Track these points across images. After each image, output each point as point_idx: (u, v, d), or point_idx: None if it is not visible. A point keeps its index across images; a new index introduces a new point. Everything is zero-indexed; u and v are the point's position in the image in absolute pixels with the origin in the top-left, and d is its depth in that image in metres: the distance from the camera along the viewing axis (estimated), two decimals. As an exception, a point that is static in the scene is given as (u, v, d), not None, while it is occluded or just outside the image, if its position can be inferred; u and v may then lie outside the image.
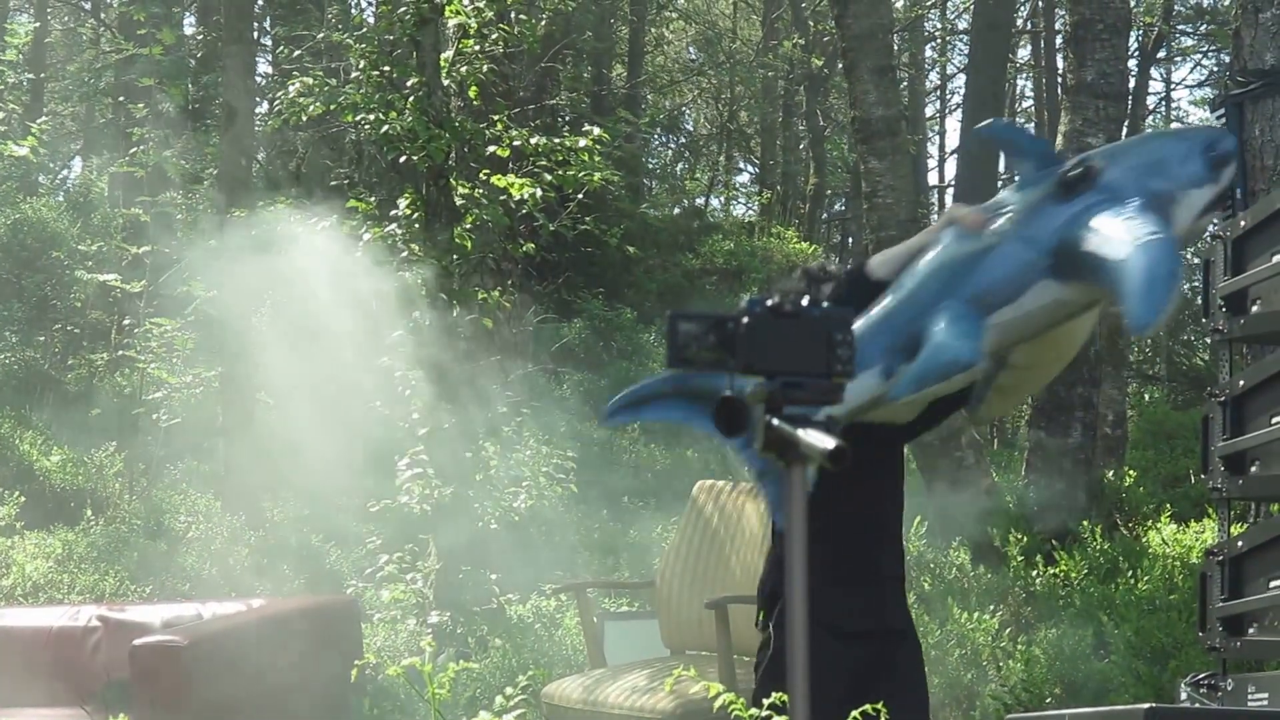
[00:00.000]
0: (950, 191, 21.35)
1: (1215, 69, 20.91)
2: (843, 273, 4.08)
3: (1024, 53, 22.05)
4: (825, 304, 2.00)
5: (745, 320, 1.94)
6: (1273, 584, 4.13)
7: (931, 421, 4.15)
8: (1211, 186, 3.85)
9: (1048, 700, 5.77)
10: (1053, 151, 4.04)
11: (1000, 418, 10.53)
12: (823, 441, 1.84)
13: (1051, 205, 3.70)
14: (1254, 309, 4.32)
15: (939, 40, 23.48)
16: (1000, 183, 18.21)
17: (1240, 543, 4.32)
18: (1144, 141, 4.01)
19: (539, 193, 7.11)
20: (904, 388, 3.60)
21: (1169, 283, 3.43)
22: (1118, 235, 3.53)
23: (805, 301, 1.98)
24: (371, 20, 7.91)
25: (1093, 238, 3.58)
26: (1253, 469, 4.29)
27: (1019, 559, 7.26)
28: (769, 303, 1.96)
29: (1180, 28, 20.78)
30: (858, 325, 3.82)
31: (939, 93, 24.94)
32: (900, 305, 3.69)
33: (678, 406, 3.70)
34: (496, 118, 7.29)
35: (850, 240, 20.29)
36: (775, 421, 1.90)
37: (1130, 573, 6.89)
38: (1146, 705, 3.93)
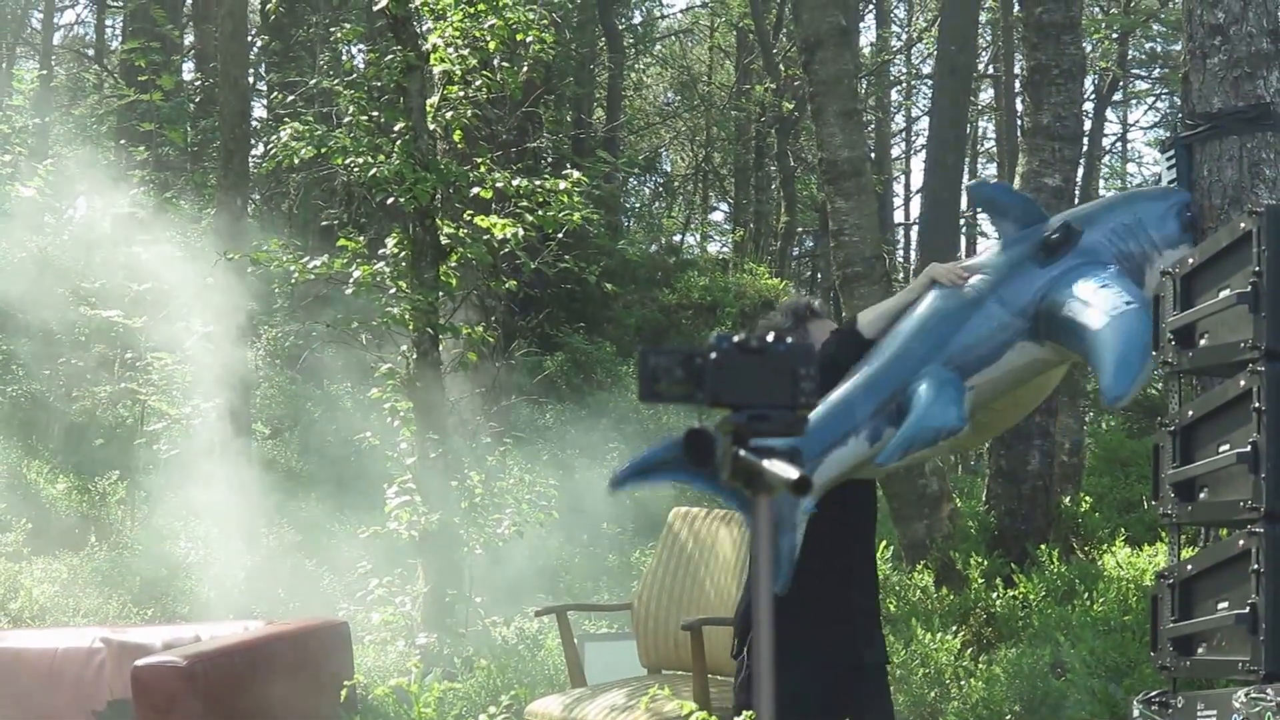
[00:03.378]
0: (915, 229, 21.64)
1: (1168, 111, 21.25)
2: (825, 316, 4.21)
3: (986, 95, 22.30)
4: (789, 340, 2.02)
5: (713, 355, 1.96)
6: (1220, 606, 4.15)
7: None
8: (1185, 247, 4.03)
9: (1007, 717, 5.85)
10: (1037, 211, 4.10)
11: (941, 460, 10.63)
12: (787, 472, 1.86)
13: (1032, 268, 3.83)
14: (1202, 342, 4.34)
15: (904, 84, 23.79)
16: (963, 221, 18.48)
17: (1190, 566, 4.34)
18: (1122, 202, 4.06)
19: (521, 232, 7.12)
20: (891, 455, 3.71)
21: (1142, 356, 3.54)
22: (1095, 304, 3.63)
23: (770, 337, 2.01)
24: (361, 67, 8.06)
25: (1071, 304, 3.67)
26: (1201, 495, 4.31)
27: (980, 581, 7.35)
28: (736, 338, 1.99)
29: (1134, 72, 21.13)
30: (843, 389, 3.92)
31: (904, 134, 25.17)
32: (883, 370, 3.79)
33: (682, 472, 3.83)
34: (480, 160, 7.36)
35: (819, 276, 20.50)
36: (742, 452, 1.92)
37: (1086, 595, 6.96)
38: (1101, 722, 4.17)
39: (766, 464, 1.90)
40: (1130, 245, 3.88)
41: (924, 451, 3.80)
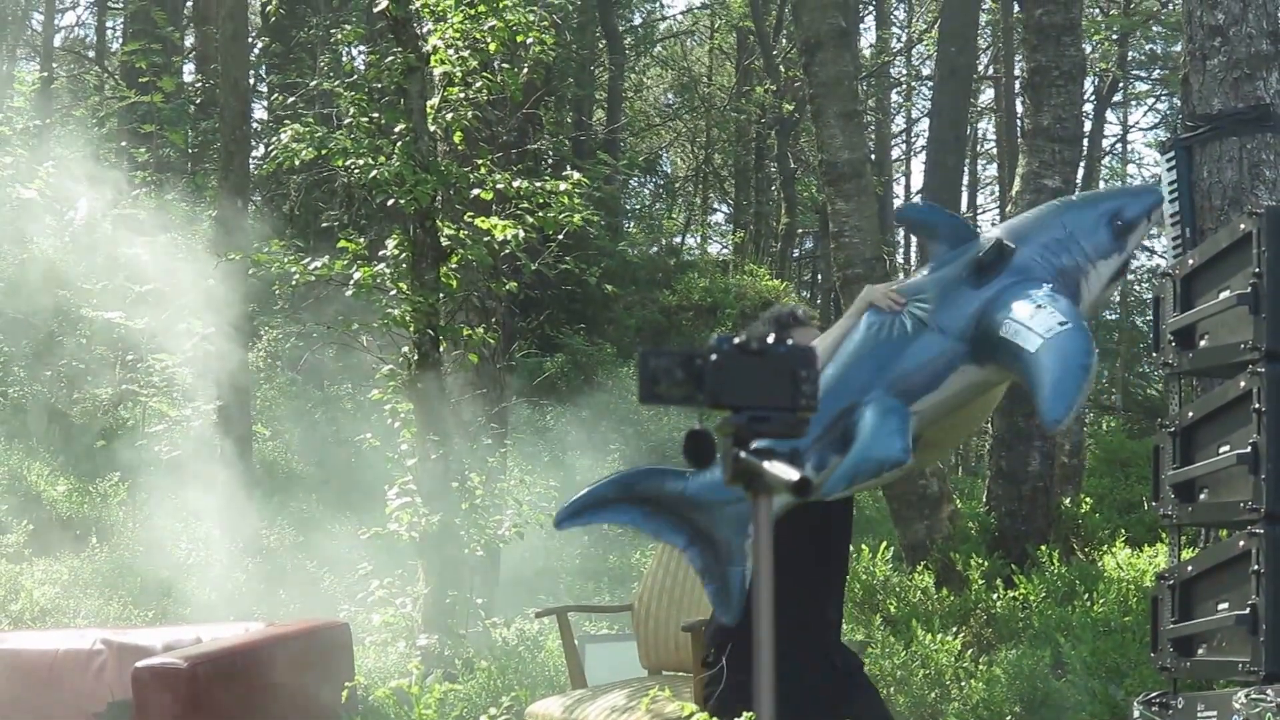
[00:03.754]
0: (917, 230, 21.59)
1: (1168, 112, 21.29)
2: (809, 324, 4.21)
3: (986, 97, 22.34)
4: (789, 341, 2.00)
5: (713, 357, 1.94)
6: (1220, 607, 4.20)
7: None
8: (1118, 255, 3.97)
9: (1007, 718, 5.87)
10: (968, 229, 4.08)
11: (940, 461, 10.66)
12: (787, 473, 1.86)
13: (966, 290, 3.80)
14: (1202, 343, 4.42)
15: (904, 86, 23.83)
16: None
17: (1190, 567, 4.39)
18: (1053, 214, 4.02)
19: (521, 234, 7.15)
20: (836, 485, 3.68)
21: (1079, 377, 3.49)
22: (1030, 326, 3.60)
23: (771, 339, 1.99)
24: (361, 69, 8.06)
25: (1007, 325, 3.65)
26: (1201, 496, 4.37)
27: (980, 582, 7.36)
28: (736, 340, 1.97)
29: (1134, 74, 21.18)
30: None
31: (904, 136, 25.20)
32: (826, 397, 3.82)
33: (625, 511, 3.84)
34: (480, 162, 7.35)
35: (820, 277, 20.54)
36: (742, 454, 1.91)
37: (1086, 596, 6.97)
38: (1102, 723, 4.18)
39: (767, 465, 1.90)
40: (1063, 259, 3.86)
41: (869, 482, 3.80)
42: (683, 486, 3.85)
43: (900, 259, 20.79)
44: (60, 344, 9.54)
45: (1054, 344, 3.55)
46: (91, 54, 19.68)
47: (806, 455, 3.76)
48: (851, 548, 4.68)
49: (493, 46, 7.25)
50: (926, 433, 3.96)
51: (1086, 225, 3.92)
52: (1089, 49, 16.62)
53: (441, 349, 7.14)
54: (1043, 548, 7.69)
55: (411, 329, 6.99)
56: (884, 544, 7.65)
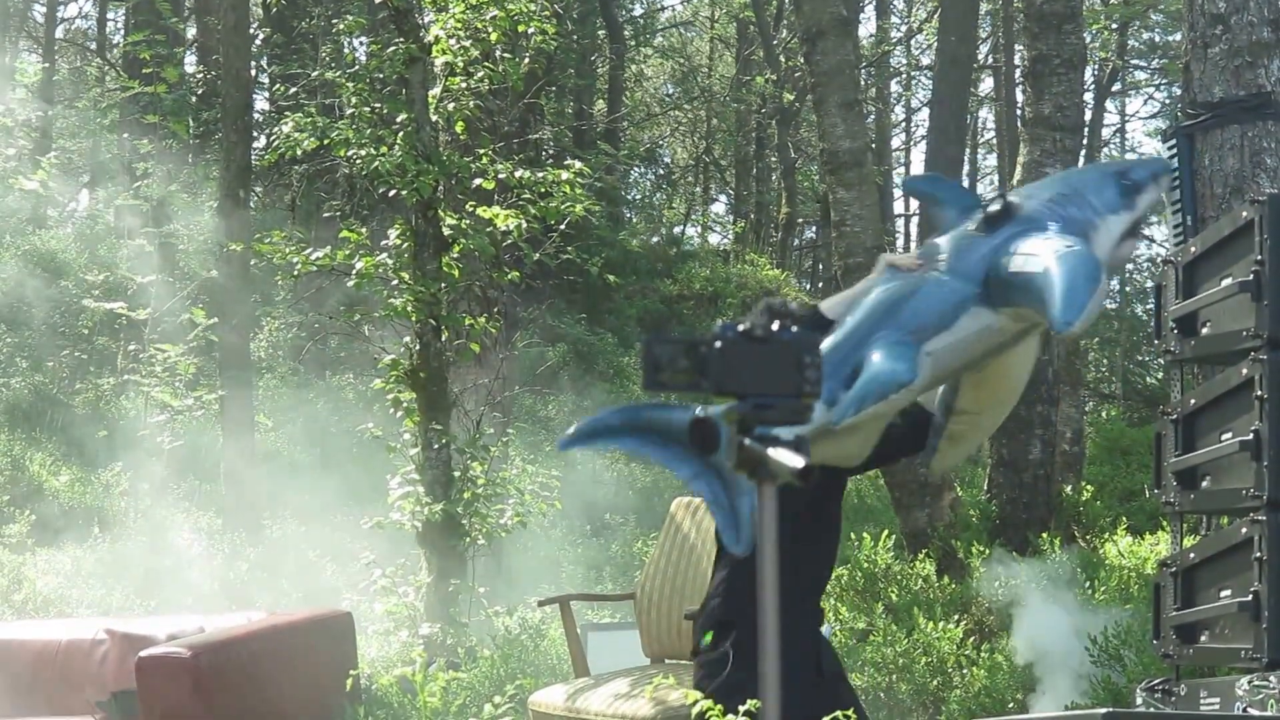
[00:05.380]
0: (915, 220, 21.68)
1: (1167, 101, 21.29)
2: (804, 313, 4.27)
3: (986, 86, 22.36)
4: (794, 329, 2.02)
5: (718, 344, 1.96)
6: (1223, 594, 4.23)
7: (877, 464, 4.38)
8: (1127, 213, 4.02)
9: (1010, 705, 5.88)
10: (973, 197, 4.23)
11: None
12: (791, 460, 1.88)
13: (976, 239, 3.87)
14: (1204, 331, 4.45)
15: (904, 75, 23.83)
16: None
17: (1192, 554, 4.41)
18: (1060, 176, 4.15)
19: (523, 223, 7.16)
20: (845, 410, 3.71)
21: (1089, 284, 3.54)
22: (1039, 252, 3.68)
23: (775, 326, 2.01)
24: (363, 59, 8.05)
25: (1016, 259, 3.75)
26: (1203, 484, 4.39)
27: (982, 570, 7.38)
28: (740, 328, 1.99)
29: (1134, 62, 21.18)
30: None
31: (904, 125, 25.23)
32: (840, 339, 3.84)
33: (632, 438, 3.83)
34: (482, 152, 7.36)
35: (820, 266, 20.56)
36: (746, 441, 1.94)
37: (1088, 583, 6.98)
38: (1104, 709, 4.12)
39: (771, 452, 1.91)
40: (1071, 210, 3.91)
41: (879, 406, 3.81)
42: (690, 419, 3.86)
43: (900, 248, 20.79)
44: (63, 334, 9.56)
45: (1062, 260, 3.60)
46: (93, 45, 19.65)
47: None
48: (848, 538, 4.69)
49: (494, 36, 7.25)
50: (954, 424, 3.98)
51: (1093, 182, 3.97)
52: (1089, 38, 16.61)
53: (443, 338, 7.15)
54: (1044, 535, 7.71)
55: (413, 319, 6.99)
56: (885, 532, 7.67)
